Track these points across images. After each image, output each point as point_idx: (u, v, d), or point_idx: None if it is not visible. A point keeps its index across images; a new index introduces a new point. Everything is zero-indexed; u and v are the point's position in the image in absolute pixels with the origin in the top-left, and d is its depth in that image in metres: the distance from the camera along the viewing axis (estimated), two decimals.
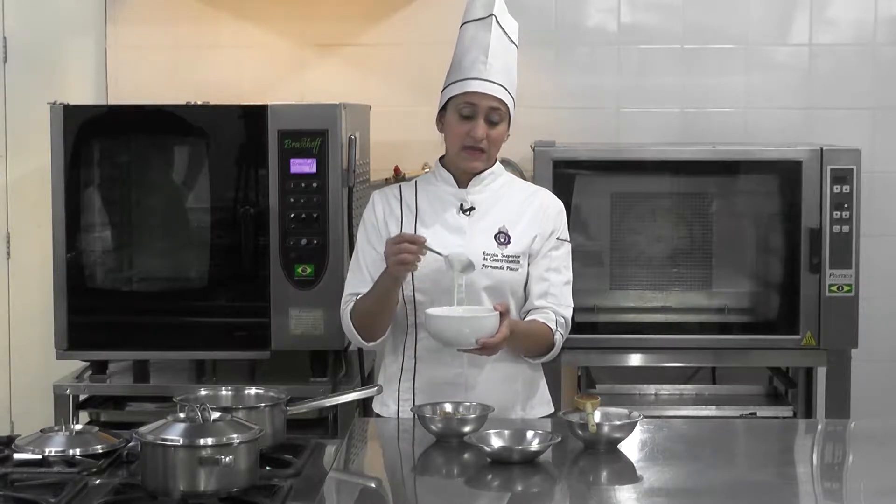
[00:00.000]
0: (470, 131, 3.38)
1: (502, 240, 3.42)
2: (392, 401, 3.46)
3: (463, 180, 3.47)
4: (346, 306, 3.48)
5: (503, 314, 3.23)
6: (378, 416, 3.48)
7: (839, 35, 5.08)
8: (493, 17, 3.43)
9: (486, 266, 3.39)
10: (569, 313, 3.48)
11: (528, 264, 3.45)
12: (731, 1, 5.08)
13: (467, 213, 3.44)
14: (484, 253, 3.39)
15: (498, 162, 3.52)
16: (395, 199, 3.50)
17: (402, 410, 3.42)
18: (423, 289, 3.39)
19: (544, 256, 3.46)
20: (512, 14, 3.53)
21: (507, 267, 3.41)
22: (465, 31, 3.47)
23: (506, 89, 3.41)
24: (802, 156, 4.48)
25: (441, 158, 3.53)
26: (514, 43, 3.48)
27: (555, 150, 4.51)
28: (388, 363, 3.52)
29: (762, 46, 5.10)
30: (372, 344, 3.48)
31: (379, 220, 3.48)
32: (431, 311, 3.22)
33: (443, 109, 3.47)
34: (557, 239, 3.48)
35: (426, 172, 3.61)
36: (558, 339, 3.44)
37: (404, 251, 3.22)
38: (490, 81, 3.39)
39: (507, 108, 3.41)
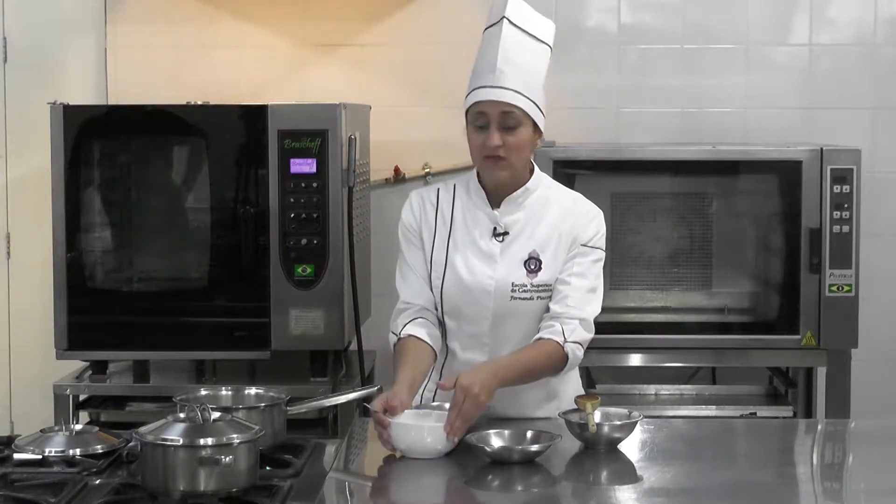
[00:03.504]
0: (485, 141, 3.26)
1: (532, 267, 3.31)
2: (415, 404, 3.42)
3: (497, 198, 3.35)
4: (398, 325, 3.35)
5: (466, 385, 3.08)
6: None
7: (839, 35, 5.08)
8: (505, 20, 3.31)
9: (515, 298, 3.30)
10: (588, 316, 3.32)
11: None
12: (731, 1, 5.08)
13: (500, 238, 3.34)
14: (512, 284, 3.30)
15: (535, 173, 3.38)
16: (432, 205, 3.40)
17: None
18: (449, 312, 3.36)
19: (568, 262, 3.33)
20: None
21: (538, 297, 3.31)
22: (484, 37, 3.36)
23: (520, 93, 3.26)
24: (802, 156, 4.48)
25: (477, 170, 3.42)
26: (540, 41, 3.34)
27: (555, 150, 4.51)
28: None
29: (762, 46, 5.09)
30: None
31: (416, 220, 3.40)
32: (396, 419, 3.01)
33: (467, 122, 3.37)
34: (582, 245, 3.34)
35: (464, 175, 3.45)
36: (571, 349, 3.27)
37: (378, 425, 3.07)
38: (499, 87, 3.26)
39: (524, 112, 3.26)
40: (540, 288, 3.31)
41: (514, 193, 3.34)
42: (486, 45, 3.33)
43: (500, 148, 3.25)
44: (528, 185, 3.36)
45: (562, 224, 3.34)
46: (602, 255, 3.39)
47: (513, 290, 3.30)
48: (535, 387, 3.38)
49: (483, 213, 3.36)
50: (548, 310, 3.32)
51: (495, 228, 3.34)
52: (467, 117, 3.32)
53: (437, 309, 3.37)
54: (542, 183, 3.40)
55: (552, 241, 3.33)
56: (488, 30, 3.36)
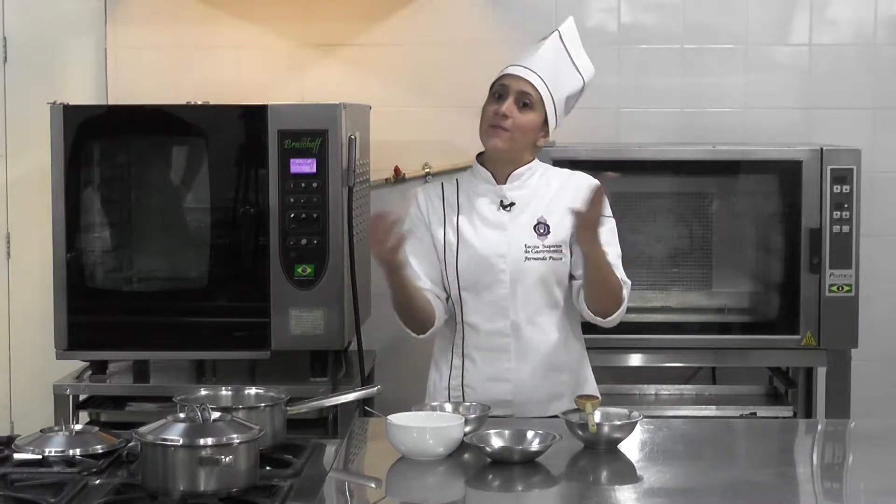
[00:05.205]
0: (498, 108, 3.42)
1: (542, 230, 3.45)
2: (442, 397, 3.50)
3: (501, 177, 3.50)
4: None
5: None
6: None
7: (839, 35, 5.08)
8: (556, 33, 3.51)
9: (529, 259, 3.43)
10: (625, 278, 3.44)
11: (571, 253, 3.46)
12: (731, 1, 5.08)
13: (507, 208, 3.47)
14: (525, 246, 3.44)
15: (536, 159, 3.53)
16: (438, 197, 3.55)
17: None
18: (467, 286, 3.47)
19: None
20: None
21: (550, 257, 3.45)
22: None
23: (544, 83, 3.43)
24: (802, 156, 4.48)
25: (479, 157, 3.55)
26: (578, 71, 3.51)
27: (555, 150, 4.51)
28: (439, 359, 3.58)
29: (762, 46, 5.09)
30: (422, 336, 3.51)
31: (423, 213, 3.53)
32: (392, 418, 3.01)
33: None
34: None
35: (466, 170, 3.61)
36: (625, 292, 3.42)
37: (376, 233, 3.23)
38: (528, 69, 3.44)
39: (540, 99, 3.42)
40: (551, 248, 3.45)
41: (519, 170, 3.49)
42: (531, 45, 3.52)
43: (508, 119, 3.40)
44: (530, 165, 3.51)
45: (564, 195, 3.48)
46: (614, 223, 3.51)
47: (526, 251, 3.43)
48: (556, 375, 3.49)
49: (488, 190, 3.50)
50: (572, 278, 3.47)
51: (502, 201, 3.48)
52: (490, 92, 3.48)
53: (453, 287, 3.47)
54: (541, 167, 3.56)
55: (557, 210, 3.47)
56: (541, 41, 3.54)
